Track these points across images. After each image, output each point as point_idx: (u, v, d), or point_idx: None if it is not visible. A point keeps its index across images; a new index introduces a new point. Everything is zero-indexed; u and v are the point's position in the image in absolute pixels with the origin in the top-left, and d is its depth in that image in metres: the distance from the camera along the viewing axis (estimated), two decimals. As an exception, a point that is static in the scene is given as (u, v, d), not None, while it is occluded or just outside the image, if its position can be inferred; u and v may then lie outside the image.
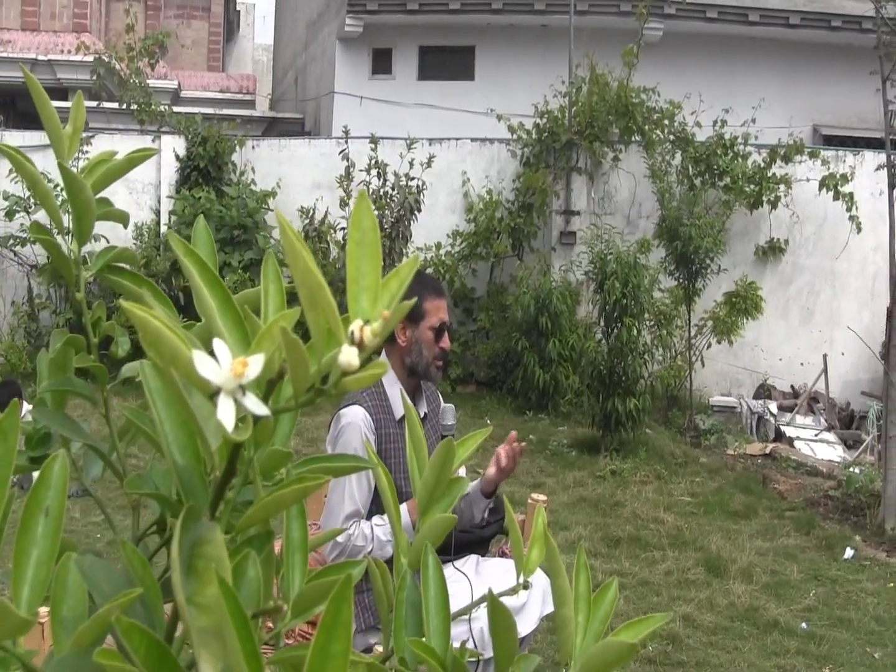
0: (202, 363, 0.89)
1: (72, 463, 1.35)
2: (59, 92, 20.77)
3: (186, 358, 0.89)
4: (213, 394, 0.90)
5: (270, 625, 1.17)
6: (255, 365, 0.90)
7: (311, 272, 0.92)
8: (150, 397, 1.03)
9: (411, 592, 1.30)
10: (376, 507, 4.27)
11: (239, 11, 33.37)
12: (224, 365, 0.90)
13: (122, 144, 14.65)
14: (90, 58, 16.93)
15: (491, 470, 4.41)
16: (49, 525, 0.99)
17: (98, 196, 1.32)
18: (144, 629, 0.86)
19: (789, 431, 12.87)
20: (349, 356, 0.91)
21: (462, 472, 4.11)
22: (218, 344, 0.92)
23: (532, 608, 4.30)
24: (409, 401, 1.46)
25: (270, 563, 1.13)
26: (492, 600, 1.18)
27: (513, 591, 1.48)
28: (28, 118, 19.20)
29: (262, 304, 1.08)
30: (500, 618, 1.19)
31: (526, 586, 1.46)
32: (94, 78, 16.74)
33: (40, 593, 0.98)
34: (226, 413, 0.89)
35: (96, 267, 1.32)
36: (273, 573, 1.16)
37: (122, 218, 1.43)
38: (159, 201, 14.64)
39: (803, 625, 7.12)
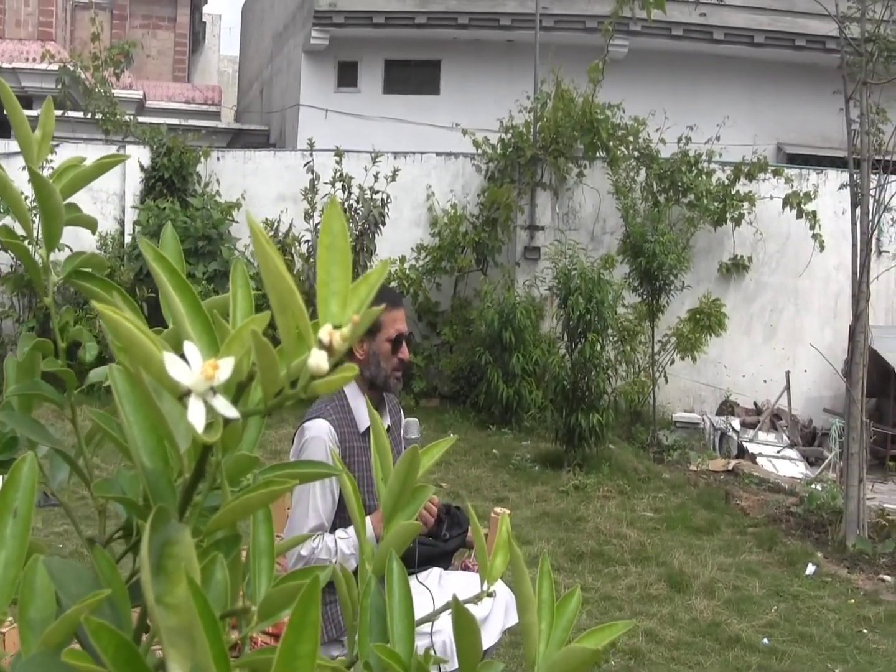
0: (173, 365, 0.88)
1: (38, 468, 1.34)
2: (24, 100, 20.65)
3: (158, 360, 0.88)
4: (182, 396, 0.89)
5: (235, 633, 1.15)
6: (225, 367, 0.90)
7: (282, 277, 0.92)
8: (119, 401, 1.02)
9: (376, 598, 1.29)
10: (340, 520, 4.25)
11: (205, 22, 33.33)
12: (195, 367, 0.90)
13: (87, 154, 14.45)
14: (55, 66, 16.88)
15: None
16: (17, 526, 0.99)
17: (66, 202, 1.31)
18: (113, 630, 0.85)
19: (752, 448, 12.91)
20: (318, 360, 0.91)
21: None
22: (189, 347, 0.92)
23: (494, 621, 4.29)
24: (373, 409, 1.44)
25: (237, 567, 1.13)
26: (456, 607, 1.18)
27: (477, 599, 1.47)
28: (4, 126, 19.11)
29: (231, 308, 1.08)
30: (465, 624, 1.19)
31: (490, 594, 1.45)
32: (59, 87, 16.69)
33: (8, 594, 0.97)
34: (196, 415, 0.88)
35: (65, 272, 1.31)
36: (240, 577, 1.16)
37: (91, 224, 1.42)
38: (124, 211, 14.59)
39: (765, 640, 7.13)
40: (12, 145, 14.88)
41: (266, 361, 0.92)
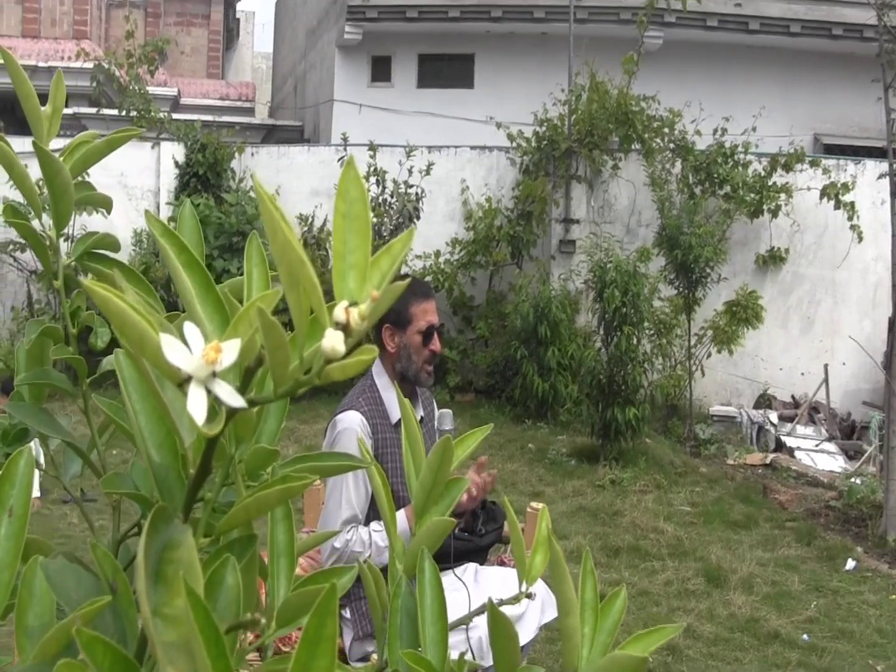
0: (171, 348, 0.80)
1: (50, 461, 1.28)
2: (59, 98, 20.70)
3: (154, 342, 0.80)
4: (182, 382, 0.81)
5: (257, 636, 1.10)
6: (229, 351, 0.82)
7: (291, 247, 0.83)
8: (125, 389, 0.96)
9: (406, 600, 1.22)
10: (374, 512, 4.21)
11: (238, 19, 33.38)
12: (195, 350, 0.82)
13: (122, 151, 14.47)
14: (90, 64, 16.91)
15: (463, 497, 4.31)
16: (13, 525, 0.92)
17: (78, 180, 1.26)
18: (108, 642, 0.78)
19: (790, 441, 12.81)
20: (333, 341, 0.82)
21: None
22: (189, 327, 0.84)
23: (531, 617, 4.23)
24: (405, 399, 1.37)
25: (253, 570, 1.05)
26: (492, 609, 1.11)
27: (515, 600, 1.41)
28: (27, 124, 19.14)
29: (246, 288, 1.01)
30: (501, 627, 1.11)
31: (529, 595, 1.39)
32: (94, 84, 16.73)
33: (3, 598, 0.91)
34: (196, 404, 0.80)
35: (76, 253, 1.24)
36: (256, 580, 1.07)
37: (105, 203, 1.35)
38: (158, 208, 14.59)
39: (804, 636, 7.05)
40: (50, 144, 14.91)
41: (274, 343, 0.83)
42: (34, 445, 1.21)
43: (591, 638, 1.20)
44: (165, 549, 0.80)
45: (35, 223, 1.25)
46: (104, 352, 1.27)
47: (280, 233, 0.83)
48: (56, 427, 1.20)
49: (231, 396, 0.82)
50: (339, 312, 0.83)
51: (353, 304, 0.85)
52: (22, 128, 17.29)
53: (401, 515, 3.91)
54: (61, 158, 1.24)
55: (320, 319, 0.85)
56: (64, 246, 1.25)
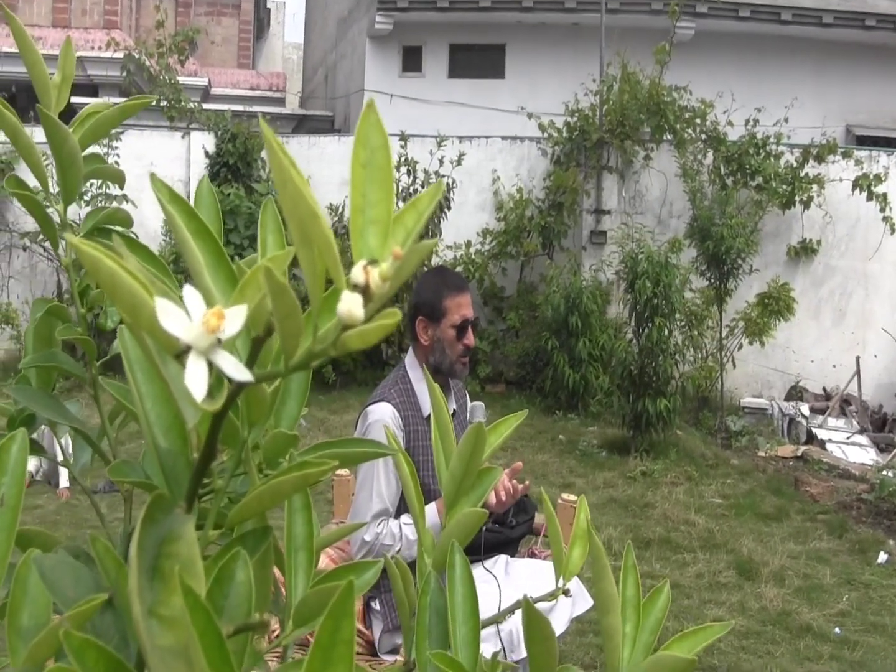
0: (167, 314, 0.72)
1: (61, 449, 1.23)
2: (90, 88, 20.82)
3: (149, 308, 0.71)
4: (180, 354, 0.73)
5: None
6: (234, 318, 0.74)
7: (302, 198, 0.74)
8: (129, 368, 0.88)
9: (436, 597, 1.15)
10: (405, 505, 4.17)
11: (269, 9, 33.41)
12: (195, 317, 0.74)
13: (152, 141, 14.68)
14: (120, 54, 16.95)
15: (491, 499, 4.26)
16: (5, 517, 0.85)
17: (88, 152, 1.21)
18: (101, 647, 0.71)
19: (821, 434, 12.73)
20: (350, 305, 0.74)
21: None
22: (189, 291, 0.75)
23: (562, 609, 4.19)
24: (434, 385, 1.30)
25: (267, 564, 0.98)
26: (527, 608, 1.05)
27: (551, 596, 1.36)
28: (59, 114, 19.19)
29: (259, 255, 0.95)
30: (538, 626, 1.05)
31: (566, 592, 1.34)
32: (125, 74, 16.75)
33: (-7, 596, 0.84)
34: (195, 377, 0.72)
35: (86, 228, 1.18)
36: (270, 576, 1.00)
37: (118, 177, 1.30)
38: (189, 198, 14.50)
39: (837, 630, 6.99)
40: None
41: (284, 309, 0.74)
42: (46, 433, 1.17)
43: (632, 637, 1.15)
44: (164, 543, 0.73)
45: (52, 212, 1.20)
46: (116, 333, 1.20)
47: (290, 184, 0.74)
48: (63, 413, 1.13)
49: (235, 369, 0.74)
50: (358, 272, 0.75)
51: (374, 262, 0.76)
52: (61, 118, 17.40)
53: (431, 509, 3.87)
54: (71, 129, 1.19)
55: (336, 281, 0.77)
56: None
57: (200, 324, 0.73)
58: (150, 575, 0.70)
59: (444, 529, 1.23)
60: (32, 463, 9.51)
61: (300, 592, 1.04)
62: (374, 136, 0.81)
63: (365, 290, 0.74)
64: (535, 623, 1.05)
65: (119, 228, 1.23)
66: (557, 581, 1.31)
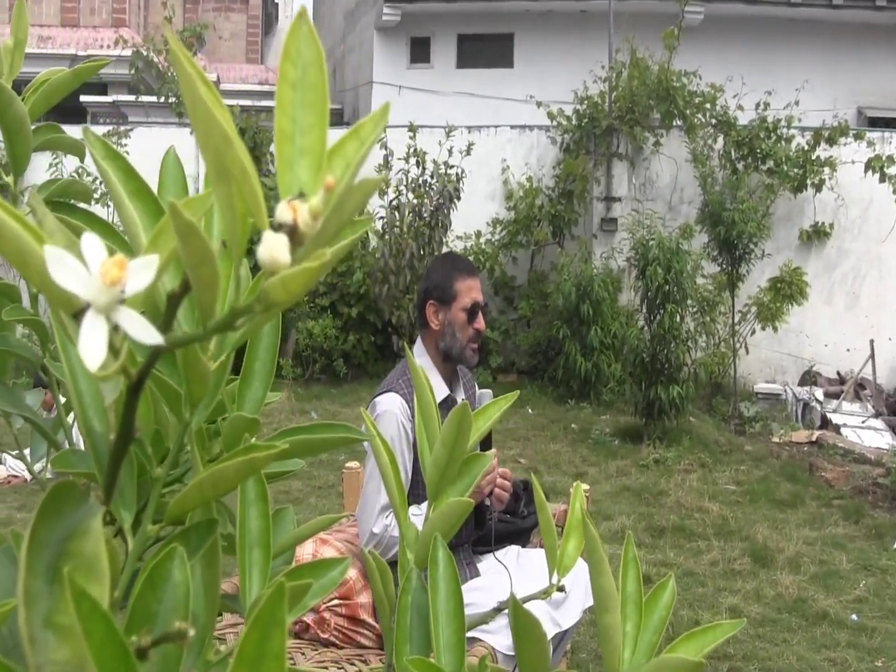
0: (58, 265, 0.61)
1: (15, 441, 1.19)
2: (99, 86, 20.84)
3: (38, 258, 0.60)
4: (79, 313, 0.61)
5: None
6: (141, 269, 0.62)
7: (214, 120, 0.62)
8: (61, 343, 0.79)
9: (418, 596, 1.07)
10: (413, 496, 4.14)
11: (277, 4, 33.40)
12: (93, 269, 0.62)
13: (161, 137, 14.66)
14: (129, 52, 16.94)
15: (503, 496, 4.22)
16: None
17: (45, 123, 1.16)
18: (4, 664, 0.62)
19: (836, 418, 12.67)
20: (273, 247, 0.62)
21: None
22: (88, 239, 0.63)
23: (574, 600, 4.16)
24: (415, 361, 1.23)
25: (214, 563, 0.86)
26: (515, 608, 0.96)
27: (545, 594, 1.31)
28: (68, 112, 19.22)
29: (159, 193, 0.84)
30: (526, 627, 0.96)
31: (562, 588, 1.28)
32: (133, 72, 16.74)
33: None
34: (91, 339, 0.60)
35: (38, 200, 1.12)
36: (218, 575, 0.88)
37: (77, 149, 1.23)
38: (198, 193, 14.55)
39: (854, 616, 6.93)
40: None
41: (194, 254, 0.62)
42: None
43: (634, 637, 1.07)
44: (69, 539, 0.62)
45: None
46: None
47: (200, 104, 0.62)
48: (14, 401, 1.05)
49: (141, 329, 0.62)
50: (283, 209, 0.63)
51: (304, 198, 0.65)
52: (61, 115, 17.37)
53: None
54: (25, 99, 1.13)
55: (258, 221, 0.65)
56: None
57: (98, 275, 0.62)
58: (48, 577, 0.60)
59: (427, 521, 1.14)
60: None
61: (255, 592, 0.94)
62: (305, 51, 0.70)
63: (292, 231, 0.63)
64: (524, 624, 0.96)
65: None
66: (551, 577, 1.26)
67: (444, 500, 1.16)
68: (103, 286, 0.61)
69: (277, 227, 0.63)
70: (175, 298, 0.68)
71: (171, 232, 0.65)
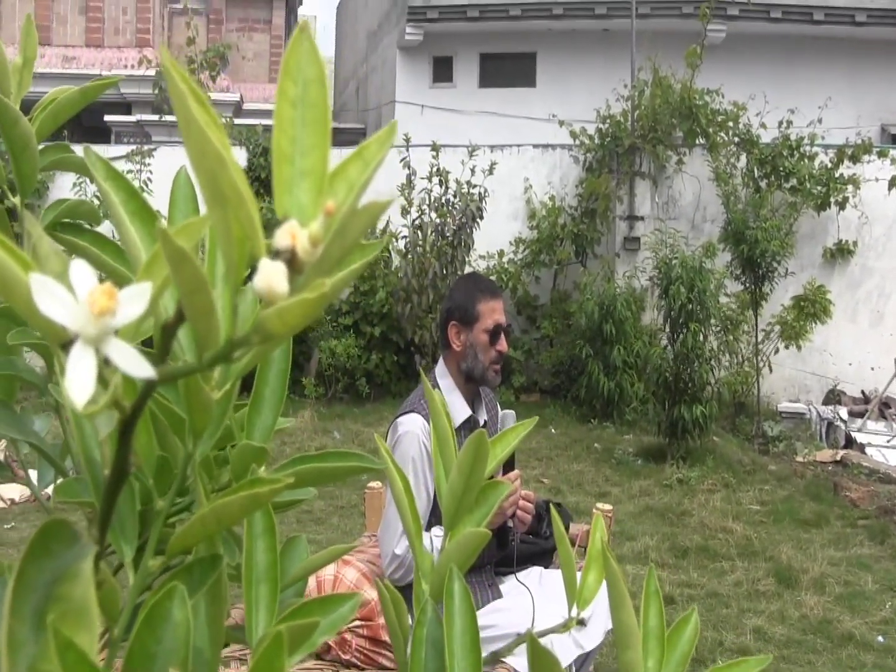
0: (44, 293, 0.58)
1: (22, 467, 1.16)
2: (123, 106, 20.95)
3: (23, 286, 0.57)
4: (67, 344, 0.58)
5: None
6: (132, 298, 0.59)
7: (208, 141, 0.59)
8: (59, 370, 0.70)
9: (433, 628, 1.02)
10: (435, 518, 4.12)
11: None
12: (81, 298, 0.59)
13: (184, 157, 14.58)
14: (152, 72, 17.05)
15: (525, 518, 4.21)
16: None
17: (54, 143, 1.13)
18: None
19: (860, 438, 12.60)
20: (270, 277, 0.59)
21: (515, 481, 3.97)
22: (76, 266, 0.60)
23: (596, 622, 4.13)
24: (430, 387, 1.19)
25: (219, 600, 0.83)
26: (531, 642, 0.91)
27: (564, 629, 1.28)
28: (93, 132, 19.33)
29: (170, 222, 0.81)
30: (543, 662, 0.90)
31: (581, 622, 1.25)
32: (156, 91, 16.81)
33: None
34: (77, 373, 0.57)
35: (45, 222, 1.09)
36: (223, 613, 0.84)
37: (85, 169, 1.20)
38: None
39: (880, 638, 6.88)
40: (111, 151, 15.05)
41: (186, 281, 0.58)
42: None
43: None
44: (57, 582, 0.59)
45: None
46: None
47: (193, 124, 0.59)
48: (20, 427, 1.03)
49: (132, 362, 0.59)
50: (282, 235, 0.60)
51: (303, 224, 0.61)
52: (87, 135, 17.40)
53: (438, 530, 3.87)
54: (33, 118, 1.11)
55: (254, 247, 0.61)
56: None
57: (86, 304, 0.58)
58: (34, 622, 0.57)
59: (443, 552, 1.11)
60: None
61: (261, 630, 0.90)
62: (306, 67, 0.66)
63: (291, 259, 0.60)
64: (541, 659, 0.91)
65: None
66: (571, 609, 1.23)
67: (460, 529, 1.12)
68: (91, 316, 0.58)
69: (275, 255, 0.60)
70: (170, 328, 0.65)
71: (164, 258, 0.61)
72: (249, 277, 0.64)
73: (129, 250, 0.74)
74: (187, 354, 0.76)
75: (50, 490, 1.14)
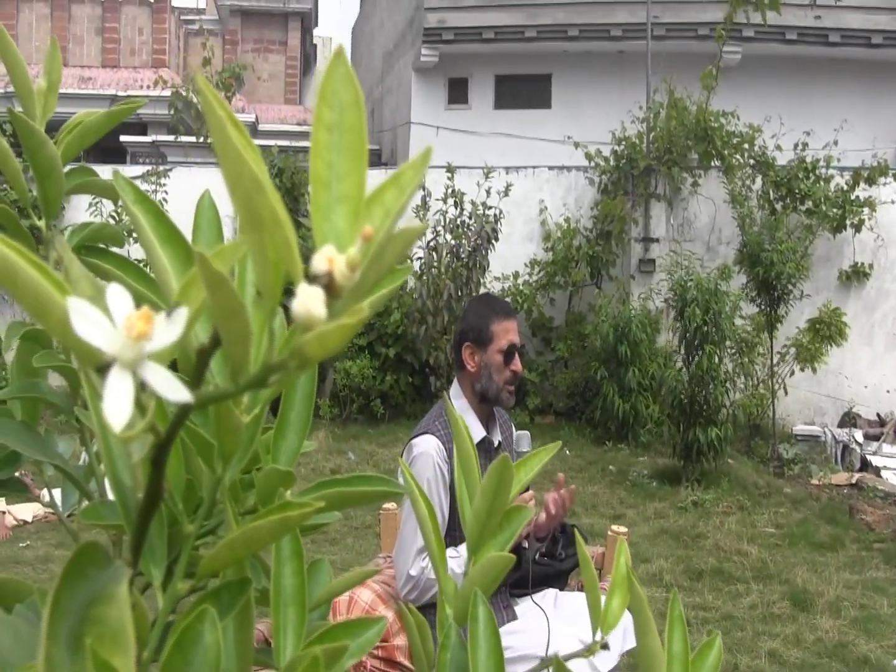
0: (81, 317, 0.58)
1: (47, 489, 1.16)
2: (139, 126, 21.02)
3: (60, 309, 0.57)
4: (103, 368, 0.58)
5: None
6: (168, 323, 0.59)
7: (245, 165, 0.59)
8: (88, 391, 0.75)
9: (457, 653, 1.02)
10: (450, 538, 4.12)
11: (316, 45, 33.60)
12: (118, 321, 0.59)
13: (200, 177, 14.73)
14: (168, 92, 17.09)
15: (541, 516, 4.23)
16: None
17: (77, 165, 1.13)
18: None
19: (876, 461, 12.56)
20: (308, 301, 0.59)
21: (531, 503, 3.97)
22: (114, 290, 0.60)
23: (612, 644, 4.12)
24: (454, 411, 1.19)
25: (247, 623, 0.84)
26: (557, 667, 0.94)
27: (588, 653, 1.27)
28: (109, 152, 19.38)
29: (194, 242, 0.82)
30: None
31: (605, 646, 1.24)
32: (172, 112, 16.88)
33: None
34: (116, 397, 0.57)
35: (70, 244, 1.08)
36: (251, 636, 0.85)
37: (109, 192, 1.20)
38: (235, 233, 14.56)
39: (895, 662, 6.87)
40: (127, 171, 15.08)
41: (223, 306, 0.59)
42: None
43: None
44: (93, 604, 0.58)
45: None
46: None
47: (230, 147, 0.59)
48: (44, 449, 1.02)
49: (169, 386, 0.59)
50: (319, 260, 0.60)
51: (341, 248, 0.61)
52: (103, 155, 17.46)
53: (458, 551, 3.87)
54: (58, 141, 1.11)
55: (292, 272, 0.62)
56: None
57: (124, 329, 0.59)
58: (71, 644, 0.56)
59: (467, 577, 1.11)
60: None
61: (289, 653, 0.90)
62: (343, 92, 0.66)
63: (329, 284, 0.60)
64: None
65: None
66: (595, 633, 1.22)
67: (484, 553, 1.12)
68: (129, 341, 0.59)
69: (313, 279, 0.60)
70: (205, 353, 0.65)
71: (200, 283, 0.62)
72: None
73: (159, 274, 0.73)
74: (217, 378, 0.76)
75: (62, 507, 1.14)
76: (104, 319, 0.59)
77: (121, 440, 0.65)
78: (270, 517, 0.73)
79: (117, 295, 0.61)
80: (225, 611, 0.79)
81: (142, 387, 0.60)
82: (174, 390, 0.60)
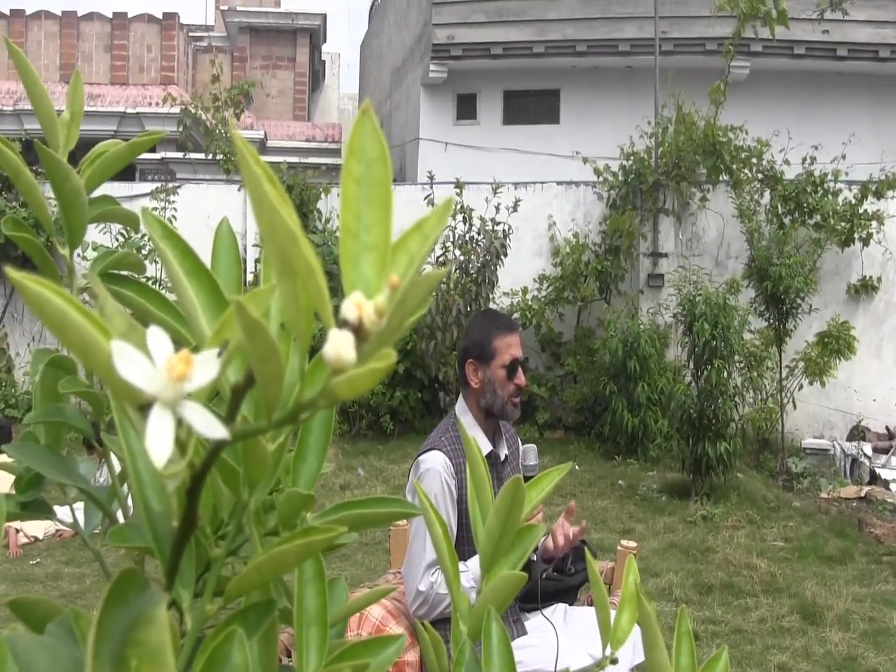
0: (124, 359, 0.61)
1: (71, 511, 1.19)
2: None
3: (103, 352, 0.61)
4: (144, 407, 0.62)
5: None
6: (205, 364, 0.63)
7: (279, 217, 0.62)
8: (119, 422, 0.79)
9: (472, 668, 1.04)
10: (459, 553, 4.14)
11: (324, 61, 33.61)
12: (159, 363, 0.63)
13: (209, 194, 14.78)
14: (177, 109, 17.15)
15: (548, 543, 4.24)
16: None
17: (99, 194, 1.16)
18: None
19: (885, 474, 12.56)
20: (339, 345, 0.63)
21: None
22: (153, 332, 0.65)
23: (621, 659, 4.14)
24: (466, 431, 1.21)
25: (272, 643, 0.87)
26: None
27: (598, 667, 1.30)
28: (124, 172, 19.42)
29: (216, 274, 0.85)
30: None
31: (615, 661, 1.27)
32: (181, 129, 16.93)
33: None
34: (157, 435, 0.61)
35: (93, 273, 1.12)
36: (276, 656, 0.89)
37: (131, 219, 1.23)
38: (245, 250, 14.64)
39: (904, 674, 6.88)
40: (136, 188, 15.13)
41: (260, 350, 0.63)
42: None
43: None
44: (133, 628, 0.61)
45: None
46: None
47: (265, 202, 0.62)
48: (67, 472, 1.06)
49: (208, 424, 0.63)
50: (349, 307, 0.64)
51: (369, 295, 0.66)
52: (118, 174, 17.60)
53: (475, 563, 3.88)
54: (82, 171, 1.14)
55: (323, 318, 0.65)
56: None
57: (164, 371, 0.63)
58: (114, 666, 0.59)
59: (480, 595, 1.13)
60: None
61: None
62: (370, 147, 0.71)
63: (358, 328, 0.64)
64: None
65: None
66: (605, 649, 1.25)
67: (497, 572, 1.14)
68: (169, 381, 0.62)
69: (342, 325, 0.64)
70: (239, 391, 0.68)
71: (233, 325, 0.66)
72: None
73: (186, 308, 0.77)
74: (246, 411, 0.79)
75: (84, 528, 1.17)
76: (146, 361, 0.63)
77: (150, 465, 0.69)
78: (296, 541, 0.76)
79: (157, 337, 0.65)
80: (252, 631, 0.83)
81: (178, 423, 0.63)
82: (212, 427, 0.64)
